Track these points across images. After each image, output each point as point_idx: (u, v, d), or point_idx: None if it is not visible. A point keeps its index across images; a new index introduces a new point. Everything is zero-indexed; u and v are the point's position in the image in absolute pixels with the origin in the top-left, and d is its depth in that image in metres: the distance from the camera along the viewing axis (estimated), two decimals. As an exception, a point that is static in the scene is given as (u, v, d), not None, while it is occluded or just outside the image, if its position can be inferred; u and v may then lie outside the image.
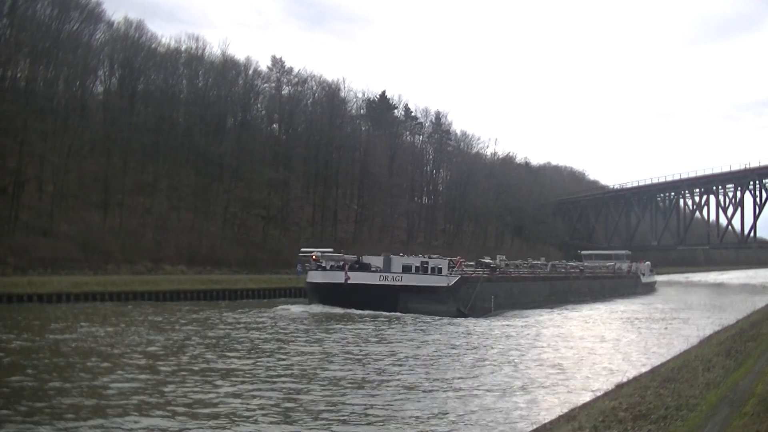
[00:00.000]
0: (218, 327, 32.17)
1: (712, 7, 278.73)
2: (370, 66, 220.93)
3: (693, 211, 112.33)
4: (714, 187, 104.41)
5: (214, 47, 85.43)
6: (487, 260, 55.99)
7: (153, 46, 66.08)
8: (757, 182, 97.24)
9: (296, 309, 41.42)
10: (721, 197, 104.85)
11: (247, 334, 30.05)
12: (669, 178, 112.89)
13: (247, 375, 20.43)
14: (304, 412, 16.29)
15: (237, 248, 63.11)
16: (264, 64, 79.20)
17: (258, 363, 22.55)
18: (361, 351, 26.01)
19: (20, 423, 14.43)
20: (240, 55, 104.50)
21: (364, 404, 17.13)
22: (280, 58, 79.30)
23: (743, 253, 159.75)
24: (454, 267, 45.73)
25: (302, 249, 50.75)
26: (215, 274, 55.60)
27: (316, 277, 43.81)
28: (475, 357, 25.83)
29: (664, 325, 40.16)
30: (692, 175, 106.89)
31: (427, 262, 45.71)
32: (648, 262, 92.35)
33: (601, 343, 31.77)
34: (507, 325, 37.97)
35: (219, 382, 19.09)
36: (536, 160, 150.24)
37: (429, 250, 63.23)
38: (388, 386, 19.64)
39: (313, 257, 44.70)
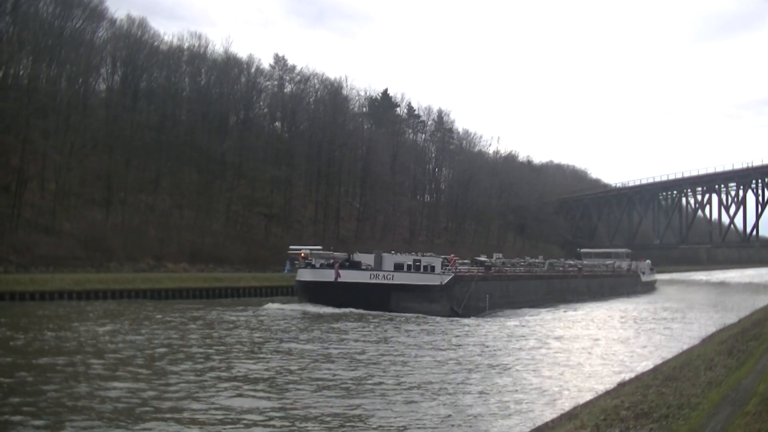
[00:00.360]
0: (197, 325, 31.49)
1: (714, 5, 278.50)
2: (372, 64, 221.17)
3: (695, 210, 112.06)
4: (716, 186, 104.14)
5: (216, 45, 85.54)
6: (482, 258, 55.54)
7: (155, 43, 66.25)
8: (760, 181, 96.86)
9: (274, 306, 40.74)
10: (723, 196, 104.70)
11: (229, 332, 29.61)
12: (671, 177, 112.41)
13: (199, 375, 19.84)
14: (285, 417, 15.70)
15: (239, 246, 63.19)
16: (266, 61, 78.91)
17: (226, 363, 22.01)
18: (340, 353, 25.11)
19: (20, 423, 14.40)
20: (242, 53, 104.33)
21: (337, 409, 16.44)
22: (283, 56, 79.35)
23: (745, 252, 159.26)
24: (448, 265, 44.80)
25: (290, 246, 50.08)
26: (218, 272, 55.67)
27: (305, 275, 42.63)
28: (462, 356, 25.46)
29: (663, 324, 39.78)
30: (694, 173, 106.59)
31: (419, 260, 44.27)
32: (648, 261, 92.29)
33: (596, 342, 31.46)
34: (502, 326, 37.02)
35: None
36: (538, 158, 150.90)
37: (431, 249, 63.10)
38: (363, 387, 19.10)
39: (302, 255, 43.98)
